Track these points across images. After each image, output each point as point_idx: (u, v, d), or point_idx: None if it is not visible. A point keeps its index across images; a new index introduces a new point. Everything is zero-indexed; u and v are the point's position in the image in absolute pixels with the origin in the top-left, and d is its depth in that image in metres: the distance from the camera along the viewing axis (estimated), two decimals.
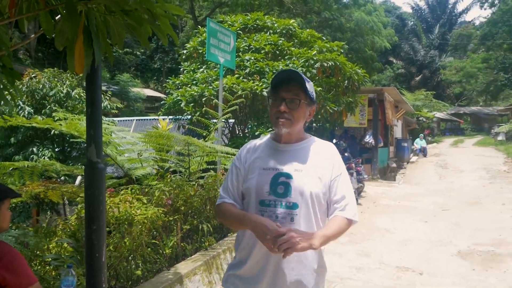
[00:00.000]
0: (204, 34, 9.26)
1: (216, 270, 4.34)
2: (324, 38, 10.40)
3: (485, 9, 43.58)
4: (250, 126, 8.89)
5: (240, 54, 8.77)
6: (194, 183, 5.06)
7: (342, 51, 9.83)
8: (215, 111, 6.70)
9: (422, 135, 24.48)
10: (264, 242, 1.68)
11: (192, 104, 8.22)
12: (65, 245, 3.57)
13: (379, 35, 23.87)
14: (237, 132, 9.33)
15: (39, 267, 3.36)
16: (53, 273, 3.34)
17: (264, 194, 1.83)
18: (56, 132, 7.07)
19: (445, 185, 13.24)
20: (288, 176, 1.83)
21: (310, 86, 1.87)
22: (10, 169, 5.53)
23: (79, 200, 4.80)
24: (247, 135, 8.78)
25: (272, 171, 1.85)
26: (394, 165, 15.96)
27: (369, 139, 14.38)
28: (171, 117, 9.11)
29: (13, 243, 3.24)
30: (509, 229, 7.42)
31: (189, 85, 8.83)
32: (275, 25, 9.95)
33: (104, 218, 2.54)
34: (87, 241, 2.51)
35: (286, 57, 8.95)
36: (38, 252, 3.47)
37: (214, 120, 6.87)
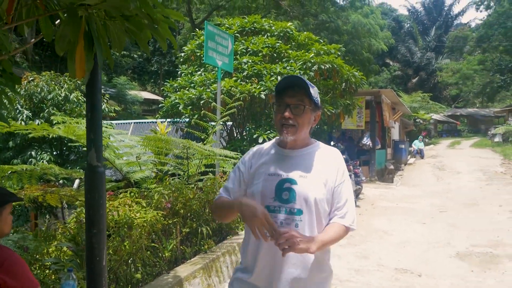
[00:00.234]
0: (201, 37, 9.27)
1: (216, 273, 4.34)
2: (321, 40, 10.44)
3: (481, 11, 43.65)
4: (248, 128, 8.90)
5: (238, 57, 8.78)
6: (193, 186, 5.07)
7: (340, 53, 9.86)
8: (213, 114, 6.71)
9: (421, 137, 24.57)
10: (250, 223, 1.67)
11: (190, 107, 8.23)
12: (65, 248, 3.57)
13: (376, 38, 23.95)
14: (235, 135, 9.34)
15: (39, 271, 3.36)
16: (53, 277, 3.34)
17: (269, 200, 1.84)
18: (54, 135, 7.07)
19: (442, 187, 13.29)
20: (293, 182, 1.83)
21: (314, 91, 1.88)
22: (9, 172, 5.52)
23: (78, 204, 4.80)
24: (245, 137, 8.79)
25: (277, 177, 1.86)
26: (391, 167, 16.02)
27: (366, 141, 14.42)
28: (169, 120, 9.11)
29: (12, 247, 3.24)
30: (506, 230, 7.46)
31: (187, 88, 8.84)
32: (273, 28, 9.98)
33: (104, 222, 2.55)
34: (88, 244, 2.51)
35: (283, 60, 8.97)
36: (37, 256, 3.47)
37: (212, 123, 6.88)
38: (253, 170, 1.93)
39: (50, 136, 7.46)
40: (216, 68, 7.06)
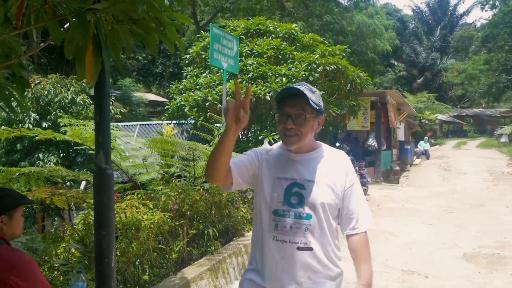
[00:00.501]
0: (206, 39, 9.31)
1: (222, 274, 4.36)
2: (326, 42, 10.45)
3: (486, 11, 43.47)
4: (253, 130, 8.91)
5: (243, 58, 8.81)
6: (199, 188, 5.09)
7: (344, 54, 9.86)
8: (219, 115, 6.73)
9: (427, 137, 24.45)
10: (228, 117, 1.66)
11: (195, 109, 8.26)
12: (73, 250, 3.60)
13: (381, 38, 23.91)
14: (241, 137, 9.36)
15: (47, 272, 3.39)
16: (61, 278, 3.36)
17: (278, 204, 1.84)
18: (59, 138, 7.13)
19: (448, 188, 13.23)
20: (302, 186, 1.84)
21: (316, 97, 1.84)
22: (17, 174, 5.57)
23: (85, 206, 4.83)
24: (250, 139, 8.81)
25: (286, 181, 1.86)
26: (397, 168, 15.98)
27: (372, 142, 14.39)
28: (175, 121, 9.14)
29: (21, 249, 3.26)
30: None
31: (192, 90, 8.88)
32: (277, 29, 10.00)
33: (113, 224, 2.57)
34: (97, 246, 2.53)
35: (288, 61, 8.99)
36: (46, 257, 3.50)
37: (218, 125, 6.90)
38: (263, 166, 1.92)
39: (57, 139, 7.52)
40: (221, 70, 7.08)
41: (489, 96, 46.14)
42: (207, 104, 8.06)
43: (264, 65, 8.61)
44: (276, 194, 1.85)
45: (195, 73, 9.66)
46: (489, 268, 5.61)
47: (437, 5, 52.46)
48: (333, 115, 8.77)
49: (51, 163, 7.52)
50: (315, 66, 8.63)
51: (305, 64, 8.65)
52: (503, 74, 41.05)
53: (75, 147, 7.62)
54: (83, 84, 8.98)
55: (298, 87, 1.82)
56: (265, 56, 9.02)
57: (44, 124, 7.83)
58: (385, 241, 7.10)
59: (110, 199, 2.54)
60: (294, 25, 10.58)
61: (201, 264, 4.25)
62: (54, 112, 8.03)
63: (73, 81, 8.92)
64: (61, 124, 6.57)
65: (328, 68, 8.65)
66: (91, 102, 8.91)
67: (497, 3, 40.56)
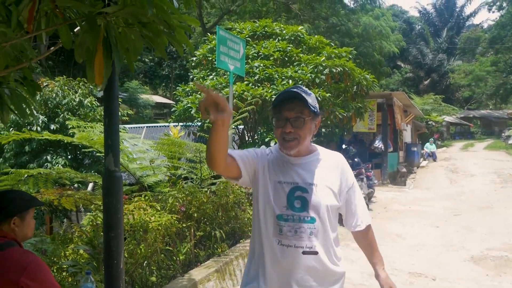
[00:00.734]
0: (213, 41, 9.33)
1: (229, 276, 4.36)
2: (332, 44, 10.43)
3: (493, 12, 43.16)
4: (259, 132, 8.92)
5: (249, 61, 8.82)
6: (206, 190, 5.10)
7: (351, 56, 9.85)
8: None
9: (432, 139, 24.32)
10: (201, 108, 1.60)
11: None
12: (81, 251, 3.63)
13: (387, 40, 23.85)
14: (247, 139, 9.37)
15: (56, 273, 3.41)
16: (70, 280, 3.38)
17: (282, 209, 1.83)
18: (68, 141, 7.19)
19: (455, 190, 13.15)
20: (304, 190, 1.84)
21: (312, 99, 1.84)
22: (25, 176, 5.62)
23: (93, 207, 4.87)
24: (257, 141, 8.82)
25: (288, 185, 1.85)
26: (404, 170, 15.90)
27: (378, 144, 14.35)
28: (181, 124, 9.17)
29: (31, 250, 3.29)
30: None
31: (199, 92, 8.90)
32: (284, 31, 10.00)
33: (121, 226, 2.58)
34: (106, 248, 2.55)
35: (295, 64, 8.99)
36: (55, 258, 3.53)
37: None
38: (263, 169, 1.89)
39: (65, 141, 7.58)
40: (228, 72, 7.10)
41: (497, 98, 45.83)
42: None
43: (270, 67, 8.61)
44: (279, 199, 1.83)
45: (202, 76, 9.68)
46: (497, 271, 5.58)
47: (444, 6, 52.25)
48: (339, 117, 8.75)
49: (59, 165, 7.58)
50: (321, 68, 8.62)
51: (311, 66, 8.64)
52: (510, 75, 40.78)
53: (82, 149, 7.68)
54: (91, 86, 9.05)
55: (295, 90, 1.82)
56: (271, 58, 9.02)
57: (52, 126, 7.90)
58: (392, 243, 7.08)
59: (119, 201, 2.56)
60: (300, 27, 10.57)
61: (208, 266, 4.26)
62: (62, 115, 8.10)
63: (80, 83, 9.00)
64: (69, 126, 6.64)
65: (334, 70, 8.64)
66: (98, 104, 8.98)
67: (504, 4, 40.33)
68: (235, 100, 7.06)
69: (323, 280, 1.83)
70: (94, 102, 8.65)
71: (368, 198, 10.31)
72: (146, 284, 3.65)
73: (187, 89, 9.37)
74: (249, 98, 7.53)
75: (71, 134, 6.40)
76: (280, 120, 1.83)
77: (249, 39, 9.73)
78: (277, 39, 9.75)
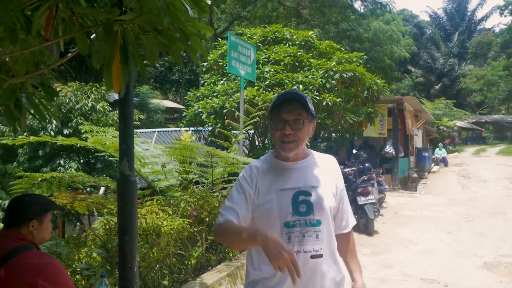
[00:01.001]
0: (224, 47, 9.40)
1: (241, 280, 4.38)
2: (342, 49, 10.44)
3: (505, 16, 42.88)
4: (269, 137, 8.94)
5: (260, 66, 8.87)
6: (217, 194, 5.13)
7: (361, 61, 9.85)
8: (236, 122, 6.78)
9: (441, 144, 24.08)
10: (275, 262, 1.52)
11: (213, 116, 8.32)
12: (95, 255, 3.67)
13: (398, 45, 23.76)
14: (257, 143, 9.39)
15: (70, 276, 3.45)
16: (83, 282, 3.42)
17: (288, 215, 1.81)
18: (81, 145, 7.28)
19: (467, 195, 13.02)
20: (307, 194, 1.84)
21: (309, 102, 1.85)
22: (39, 180, 5.69)
23: (105, 212, 4.92)
24: (267, 146, 8.84)
25: (290, 191, 1.84)
26: (415, 175, 15.77)
27: (389, 149, 14.26)
28: (192, 128, 9.23)
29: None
30: None
31: (209, 97, 8.95)
32: (294, 37, 10.04)
33: (136, 229, 2.62)
34: (120, 251, 2.58)
35: (305, 69, 9.01)
36: (69, 261, 3.57)
37: (235, 132, 6.94)
38: (260, 189, 1.86)
39: (78, 146, 7.68)
40: (239, 78, 7.14)
41: (509, 102, 45.36)
42: (225, 111, 8.12)
43: (281, 72, 8.65)
44: (284, 206, 1.81)
45: (213, 80, 9.74)
46: (511, 278, 5.51)
47: (455, 10, 51.89)
48: (350, 122, 8.73)
49: (72, 169, 7.67)
50: (332, 73, 8.63)
51: (322, 71, 8.66)
52: None
53: (95, 154, 7.76)
54: (103, 91, 9.16)
55: (293, 92, 1.84)
56: (282, 63, 9.06)
57: (65, 131, 8.02)
58: (404, 249, 7.03)
59: (133, 205, 2.60)
60: (310, 32, 10.60)
61: (220, 270, 4.28)
62: (75, 119, 8.21)
63: (93, 88, 9.11)
64: (82, 131, 6.72)
65: (345, 75, 8.64)
66: (111, 109, 9.08)
67: None
68: (246, 105, 7.09)
69: (328, 283, 1.84)
70: (106, 107, 8.76)
71: (379, 203, 10.24)
72: None
73: (198, 94, 9.43)
74: (259, 103, 7.56)
75: (84, 138, 6.48)
76: (278, 122, 1.83)
77: (259, 44, 9.78)
78: (287, 44, 9.79)
